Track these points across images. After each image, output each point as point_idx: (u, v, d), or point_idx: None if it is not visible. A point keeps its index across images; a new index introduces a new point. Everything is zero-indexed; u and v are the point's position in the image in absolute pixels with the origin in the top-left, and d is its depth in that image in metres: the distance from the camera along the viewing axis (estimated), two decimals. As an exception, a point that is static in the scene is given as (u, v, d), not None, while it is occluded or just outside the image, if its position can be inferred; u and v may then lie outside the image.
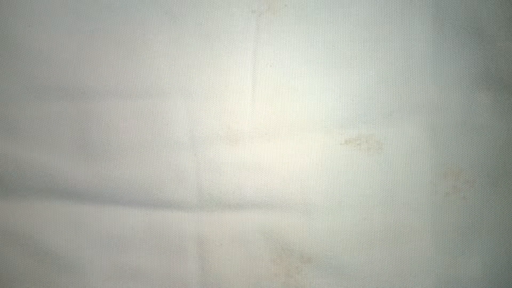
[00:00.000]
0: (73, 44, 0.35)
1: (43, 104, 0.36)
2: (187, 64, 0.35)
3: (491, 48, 0.34)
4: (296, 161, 0.35)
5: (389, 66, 0.34)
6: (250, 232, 0.36)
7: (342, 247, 0.35)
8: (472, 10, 0.33)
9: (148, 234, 0.36)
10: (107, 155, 0.35)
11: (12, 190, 0.36)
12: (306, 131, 0.35)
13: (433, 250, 0.35)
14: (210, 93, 0.35)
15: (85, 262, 0.36)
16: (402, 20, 0.33)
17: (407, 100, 0.34)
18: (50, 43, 0.35)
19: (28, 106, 0.36)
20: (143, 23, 0.35)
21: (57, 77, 0.35)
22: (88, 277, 0.36)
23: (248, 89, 0.35)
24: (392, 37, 0.34)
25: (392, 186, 0.35)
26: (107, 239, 0.36)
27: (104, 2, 0.35)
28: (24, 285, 0.36)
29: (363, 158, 0.35)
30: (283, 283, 0.36)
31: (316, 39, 0.34)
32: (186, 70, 0.35)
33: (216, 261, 0.36)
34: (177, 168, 0.35)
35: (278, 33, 0.34)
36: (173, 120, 0.35)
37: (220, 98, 0.35)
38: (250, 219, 0.36)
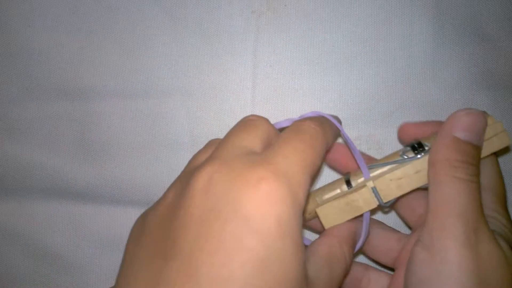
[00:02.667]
0: (73, 44, 0.35)
1: (43, 104, 0.36)
2: (187, 64, 0.35)
3: (491, 48, 0.33)
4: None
5: (389, 66, 0.34)
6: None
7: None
8: (472, 10, 0.33)
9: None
10: (107, 155, 0.35)
11: (12, 190, 0.36)
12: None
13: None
14: (210, 93, 0.35)
15: (85, 262, 0.36)
16: (402, 20, 0.33)
17: (407, 100, 0.34)
18: (50, 43, 0.35)
19: (28, 106, 0.36)
20: (144, 23, 0.35)
21: (57, 77, 0.35)
22: (88, 277, 0.36)
23: (248, 89, 0.35)
24: (392, 37, 0.34)
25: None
26: (107, 239, 0.36)
27: (104, 2, 0.35)
28: (24, 285, 0.36)
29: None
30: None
31: (316, 39, 0.34)
32: (186, 70, 0.35)
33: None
34: (177, 168, 0.35)
35: (278, 33, 0.34)
36: (173, 120, 0.35)
37: (220, 98, 0.35)
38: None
